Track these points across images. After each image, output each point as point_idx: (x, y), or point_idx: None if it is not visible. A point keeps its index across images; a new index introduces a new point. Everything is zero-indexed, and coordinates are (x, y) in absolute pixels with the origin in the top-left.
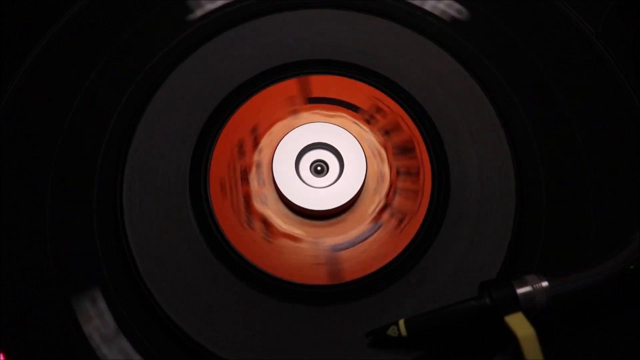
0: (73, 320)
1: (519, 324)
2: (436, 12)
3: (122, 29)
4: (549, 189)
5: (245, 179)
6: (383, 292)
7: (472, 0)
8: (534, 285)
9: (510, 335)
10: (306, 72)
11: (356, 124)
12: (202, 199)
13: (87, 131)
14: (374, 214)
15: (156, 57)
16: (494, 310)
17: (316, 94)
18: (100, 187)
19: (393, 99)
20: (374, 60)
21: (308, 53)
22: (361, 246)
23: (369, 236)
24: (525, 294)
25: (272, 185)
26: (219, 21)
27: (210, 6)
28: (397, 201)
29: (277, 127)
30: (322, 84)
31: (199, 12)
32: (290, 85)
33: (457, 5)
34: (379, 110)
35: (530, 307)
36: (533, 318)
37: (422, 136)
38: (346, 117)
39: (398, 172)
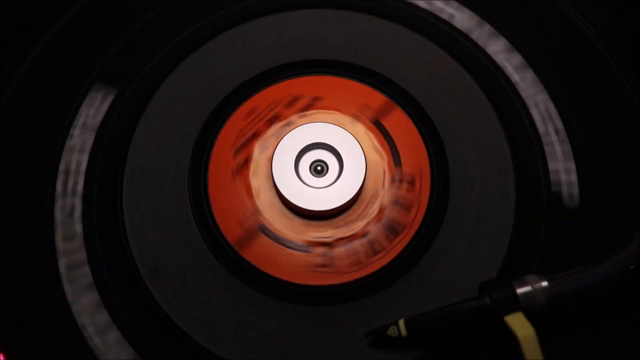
0: (73, 320)
1: (518, 324)
2: (436, 12)
3: (122, 29)
4: (549, 189)
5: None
6: (383, 292)
7: (472, 0)
8: (534, 285)
9: (510, 335)
10: (306, 72)
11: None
12: (202, 199)
13: (87, 131)
14: (374, 214)
15: (156, 57)
16: (494, 310)
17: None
18: (100, 187)
19: (393, 99)
20: (374, 61)
21: (308, 53)
22: (361, 246)
23: (369, 236)
24: (525, 294)
25: (272, 185)
26: (219, 21)
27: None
28: (396, 201)
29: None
30: (322, 84)
31: None
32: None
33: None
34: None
35: (530, 307)
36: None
37: (421, 136)
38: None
39: (397, 172)
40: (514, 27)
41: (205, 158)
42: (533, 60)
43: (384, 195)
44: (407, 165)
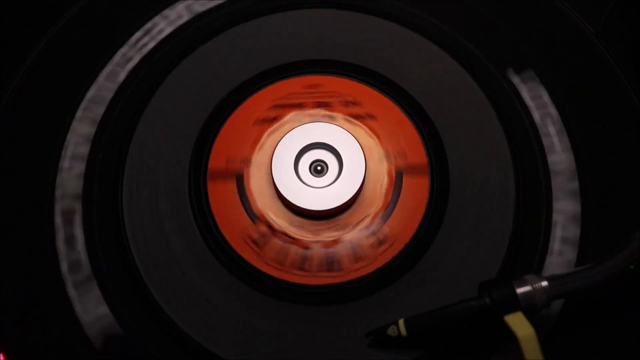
0: (73, 320)
1: (518, 323)
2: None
3: (122, 29)
4: (549, 189)
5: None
6: (383, 292)
7: (473, 1)
8: (534, 285)
9: (510, 335)
10: (306, 72)
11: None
12: (202, 198)
13: (86, 131)
14: (374, 213)
15: (156, 57)
16: (493, 310)
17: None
18: (100, 187)
19: (392, 98)
20: (374, 60)
21: (308, 53)
22: (361, 246)
23: (369, 236)
24: (525, 294)
25: (272, 185)
26: (219, 21)
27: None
28: (396, 200)
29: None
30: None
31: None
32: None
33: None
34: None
35: (530, 307)
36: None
37: (421, 136)
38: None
39: (397, 172)
40: (514, 27)
41: (205, 158)
42: (533, 60)
43: (384, 193)
44: (406, 164)
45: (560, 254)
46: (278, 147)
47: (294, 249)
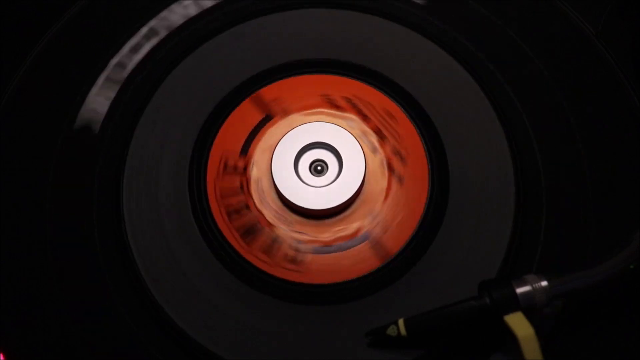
0: (73, 320)
1: (518, 323)
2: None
3: (122, 29)
4: (549, 189)
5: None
6: (383, 292)
7: (473, 1)
8: (534, 285)
9: (509, 335)
10: (306, 71)
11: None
12: (202, 198)
13: (87, 131)
14: (373, 213)
15: (156, 57)
16: (493, 310)
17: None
18: (100, 187)
19: (393, 98)
20: (374, 60)
21: (308, 53)
22: (360, 245)
23: (369, 235)
24: (524, 294)
25: (272, 185)
26: (218, 21)
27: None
28: (396, 200)
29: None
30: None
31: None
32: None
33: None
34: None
35: (529, 307)
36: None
37: (421, 136)
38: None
39: (397, 173)
40: (514, 27)
41: (205, 158)
42: (533, 60)
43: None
44: (407, 164)
45: (560, 254)
46: (278, 146)
47: (294, 249)
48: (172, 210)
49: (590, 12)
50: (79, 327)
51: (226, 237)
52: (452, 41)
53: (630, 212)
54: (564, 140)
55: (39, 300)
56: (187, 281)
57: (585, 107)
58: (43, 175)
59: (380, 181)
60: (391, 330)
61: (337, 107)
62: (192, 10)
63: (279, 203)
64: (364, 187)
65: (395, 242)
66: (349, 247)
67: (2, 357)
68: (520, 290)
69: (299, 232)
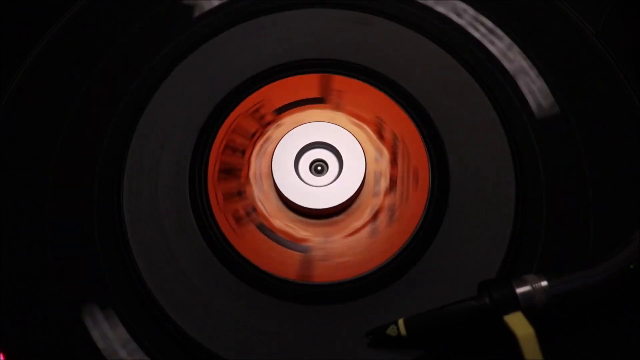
0: (73, 320)
1: (518, 323)
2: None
3: (122, 29)
4: (549, 189)
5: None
6: (382, 292)
7: (473, 1)
8: (534, 285)
9: (509, 335)
10: (306, 71)
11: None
12: (202, 198)
13: (87, 131)
14: (373, 213)
15: (156, 57)
16: (493, 309)
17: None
18: (100, 187)
19: (392, 98)
20: (374, 60)
21: (308, 53)
22: (361, 245)
23: (369, 235)
24: (524, 294)
25: (272, 184)
26: (219, 21)
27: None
28: (396, 200)
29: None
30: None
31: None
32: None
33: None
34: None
35: (529, 307)
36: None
37: (422, 136)
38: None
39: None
40: (514, 27)
41: (206, 158)
42: (533, 60)
43: (384, 193)
44: (407, 164)
45: (560, 254)
46: (278, 146)
47: (294, 248)
48: (172, 210)
49: (590, 12)
50: (79, 327)
51: (226, 237)
52: (452, 41)
53: (630, 212)
54: (564, 140)
55: (39, 300)
56: (187, 281)
57: (585, 107)
58: (43, 175)
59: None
60: (391, 330)
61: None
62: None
63: (279, 202)
64: (364, 187)
65: (395, 242)
66: (349, 247)
67: (2, 357)
68: (520, 290)
69: (300, 231)
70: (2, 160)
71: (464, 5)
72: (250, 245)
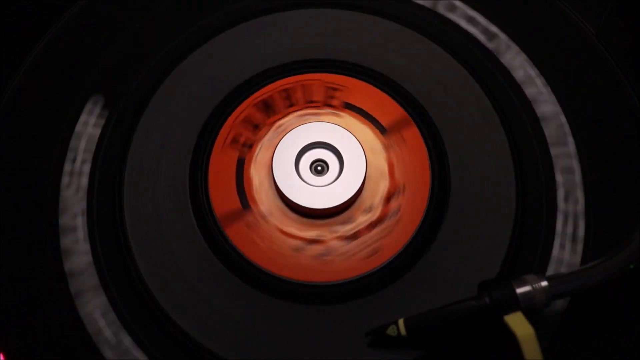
0: (73, 320)
1: (518, 323)
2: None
3: (122, 29)
4: (549, 188)
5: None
6: (382, 292)
7: (473, 1)
8: (534, 285)
9: (509, 335)
10: (305, 71)
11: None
12: (202, 198)
13: (87, 131)
14: (374, 212)
15: (156, 57)
16: (493, 309)
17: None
18: (100, 187)
19: (393, 98)
20: (374, 60)
21: (308, 53)
22: (361, 245)
23: (369, 235)
24: (524, 294)
25: (272, 184)
26: (219, 21)
27: None
28: (396, 200)
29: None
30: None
31: None
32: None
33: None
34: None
35: (529, 307)
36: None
37: (422, 136)
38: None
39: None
40: (514, 27)
41: (206, 158)
42: (533, 60)
43: (384, 193)
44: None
45: (560, 254)
46: (279, 146)
47: (295, 248)
48: (172, 210)
49: (590, 12)
50: (79, 327)
51: (227, 236)
52: (452, 41)
53: (629, 212)
54: (564, 140)
55: (39, 300)
56: (187, 281)
57: (585, 107)
58: (43, 175)
59: (380, 180)
60: (391, 330)
61: (334, 108)
62: (192, 10)
63: (280, 202)
64: (364, 187)
65: (395, 242)
66: (349, 246)
67: (2, 357)
68: (520, 290)
69: (300, 231)
70: (2, 160)
71: (463, 6)
72: (250, 246)
